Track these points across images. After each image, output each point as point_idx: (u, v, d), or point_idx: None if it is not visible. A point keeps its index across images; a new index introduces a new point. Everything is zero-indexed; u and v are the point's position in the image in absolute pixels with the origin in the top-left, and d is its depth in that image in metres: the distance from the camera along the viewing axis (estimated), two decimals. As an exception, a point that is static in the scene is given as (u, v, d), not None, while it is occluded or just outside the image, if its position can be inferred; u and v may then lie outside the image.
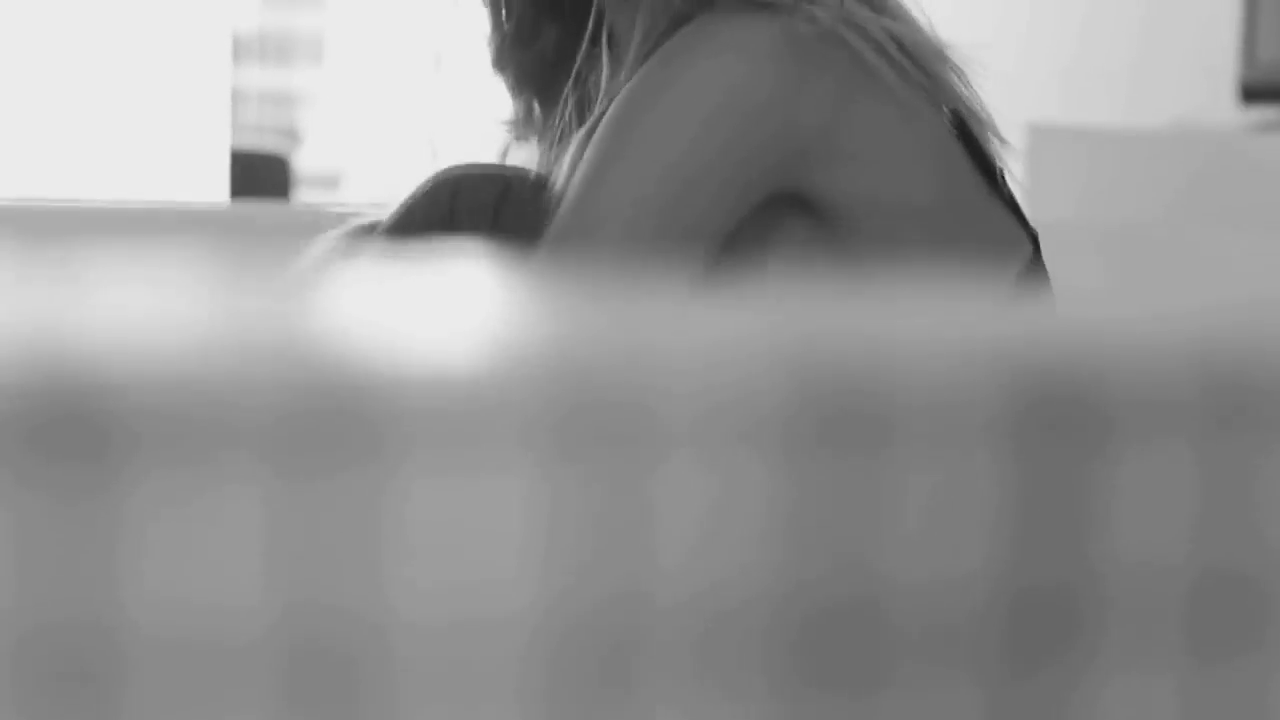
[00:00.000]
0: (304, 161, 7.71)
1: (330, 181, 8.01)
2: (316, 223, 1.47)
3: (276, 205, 1.79)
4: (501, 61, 1.37)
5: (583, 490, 0.37)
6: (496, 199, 1.25)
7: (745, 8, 1.21)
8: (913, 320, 0.39)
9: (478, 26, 1.37)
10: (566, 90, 1.32)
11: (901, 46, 1.21)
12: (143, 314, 0.36)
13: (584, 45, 1.28)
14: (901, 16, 1.23)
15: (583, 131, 1.24)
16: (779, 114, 1.17)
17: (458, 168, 1.27)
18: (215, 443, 0.34)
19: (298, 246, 1.44)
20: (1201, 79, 4.17)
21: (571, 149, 1.23)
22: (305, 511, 0.35)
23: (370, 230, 1.37)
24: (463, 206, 1.25)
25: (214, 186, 3.07)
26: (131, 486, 0.34)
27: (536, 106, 1.37)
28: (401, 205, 1.27)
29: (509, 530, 0.37)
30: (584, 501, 0.37)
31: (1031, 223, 1.33)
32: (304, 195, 7.22)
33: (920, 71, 1.22)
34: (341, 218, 1.45)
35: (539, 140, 1.37)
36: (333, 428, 0.35)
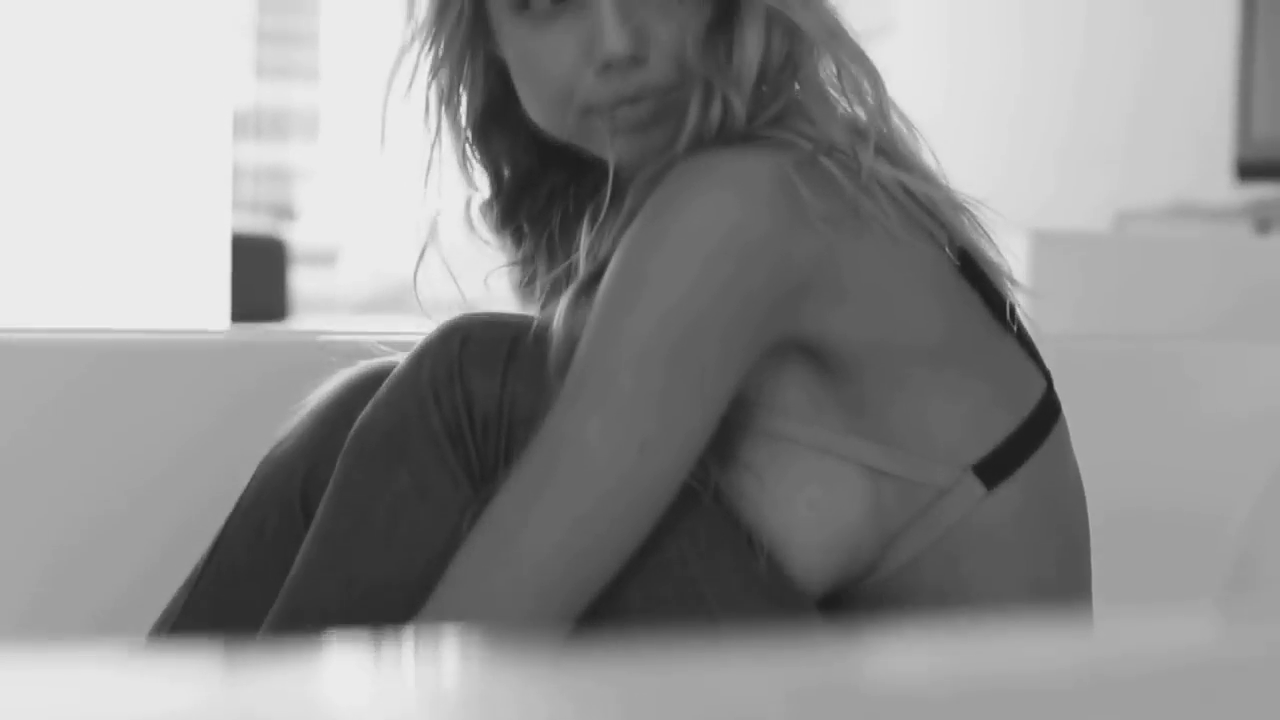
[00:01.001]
0: (299, 237, 7.73)
1: (326, 258, 8.01)
2: (324, 354, 1.46)
3: (282, 332, 1.78)
4: (507, 219, 1.37)
5: None
6: (507, 349, 1.24)
7: (743, 144, 1.21)
8: None
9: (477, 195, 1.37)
10: (578, 239, 1.32)
11: (913, 196, 1.21)
12: None
13: (598, 197, 1.28)
14: (916, 168, 1.24)
15: (582, 279, 1.23)
16: (776, 250, 1.17)
17: (467, 316, 1.27)
18: None
19: (306, 383, 1.43)
20: (1196, 157, 4.18)
21: (567, 296, 1.23)
22: None
23: (381, 375, 1.36)
24: (471, 355, 1.24)
25: (214, 273, 3.06)
26: None
27: (537, 255, 1.37)
28: (412, 353, 1.27)
29: None
30: None
31: (1042, 350, 1.33)
32: (300, 274, 7.23)
33: (930, 217, 1.22)
34: (350, 353, 1.44)
35: (538, 286, 1.37)
36: None
